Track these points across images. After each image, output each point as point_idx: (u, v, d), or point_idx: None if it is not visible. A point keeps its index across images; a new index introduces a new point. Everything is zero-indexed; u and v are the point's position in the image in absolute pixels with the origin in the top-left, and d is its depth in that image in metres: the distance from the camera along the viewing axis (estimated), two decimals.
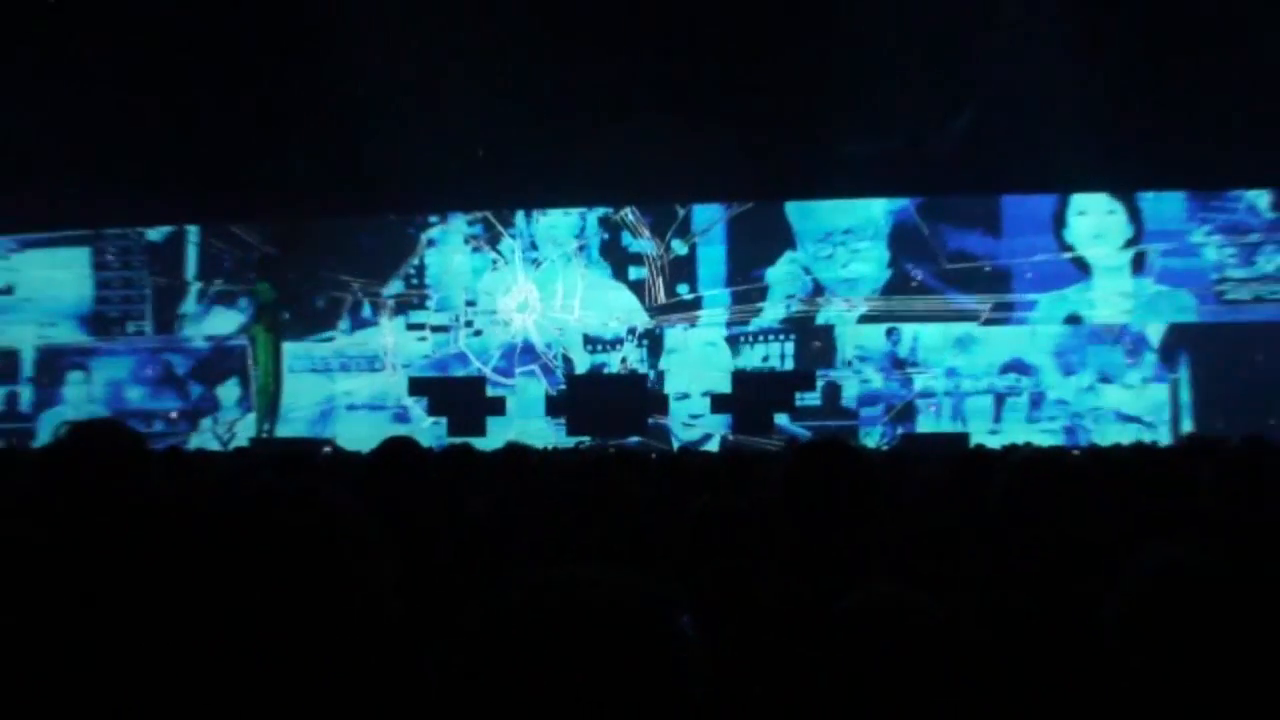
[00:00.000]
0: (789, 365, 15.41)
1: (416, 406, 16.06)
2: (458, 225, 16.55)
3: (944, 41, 12.50)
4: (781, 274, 15.67)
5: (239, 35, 13.33)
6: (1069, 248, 15.15)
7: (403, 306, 16.55)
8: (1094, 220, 15.13)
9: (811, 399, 15.31)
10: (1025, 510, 2.41)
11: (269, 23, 13.15)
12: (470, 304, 16.43)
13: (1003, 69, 13.02)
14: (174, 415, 16.79)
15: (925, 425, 15.00)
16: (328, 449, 11.08)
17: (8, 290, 17.11)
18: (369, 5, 12.65)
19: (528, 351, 16.26)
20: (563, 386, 15.84)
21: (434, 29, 13.00)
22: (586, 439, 14.51)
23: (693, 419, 15.57)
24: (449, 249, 16.56)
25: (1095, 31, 12.63)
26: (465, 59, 13.30)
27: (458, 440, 7.31)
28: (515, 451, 5.28)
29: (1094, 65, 12.82)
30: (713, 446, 14.72)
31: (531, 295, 16.25)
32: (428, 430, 15.00)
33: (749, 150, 14.25)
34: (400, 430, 15.87)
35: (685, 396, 15.55)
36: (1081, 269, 15.16)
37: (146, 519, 2.09)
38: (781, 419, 14.95)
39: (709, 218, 16.01)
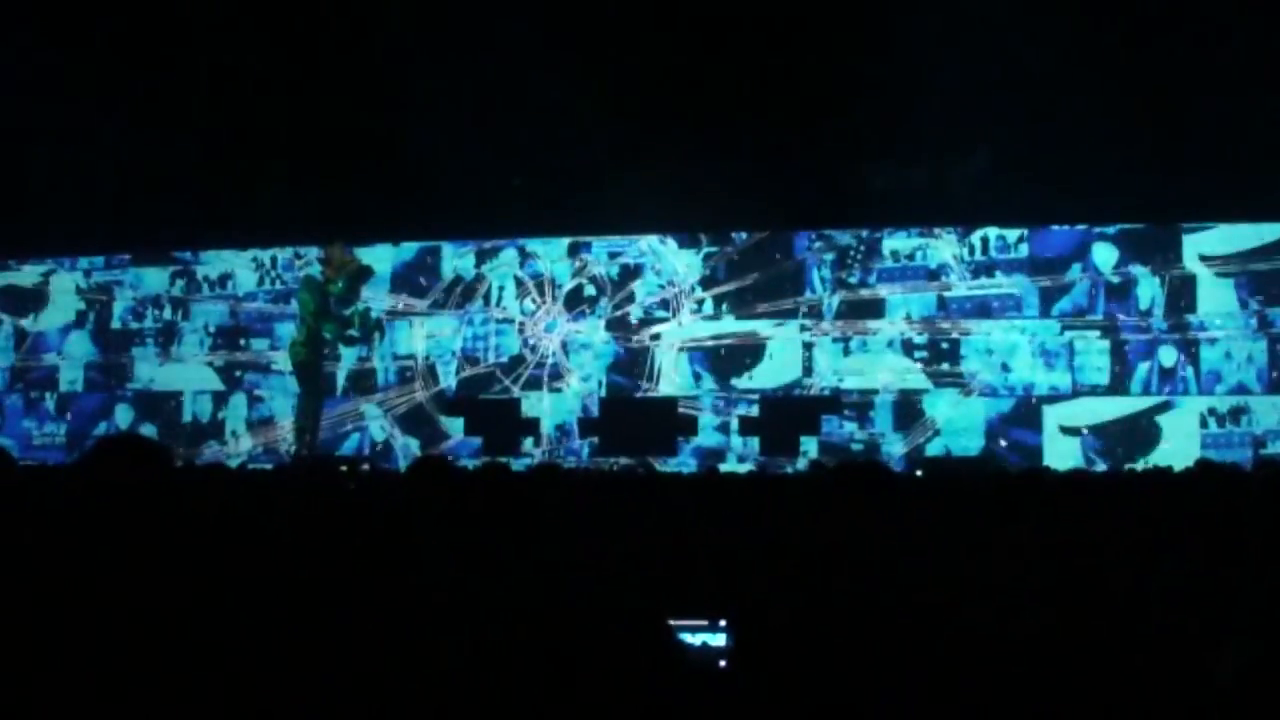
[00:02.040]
0: None
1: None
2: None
3: (967, 75, 12.49)
4: None
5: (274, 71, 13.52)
6: None
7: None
8: None
9: (841, 423, 15.30)
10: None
11: (300, 48, 13.29)
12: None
13: (1027, 103, 13.03)
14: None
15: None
16: (365, 466, 11.16)
17: None
18: (405, 40, 12.78)
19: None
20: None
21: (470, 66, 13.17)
22: (621, 460, 14.59)
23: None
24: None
25: (1122, 64, 12.60)
26: (493, 86, 13.44)
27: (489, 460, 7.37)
28: (548, 472, 5.33)
29: (1119, 98, 12.80)
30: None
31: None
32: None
33: (771, 179, 14.30)
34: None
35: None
36: None
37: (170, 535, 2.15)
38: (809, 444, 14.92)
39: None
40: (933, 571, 2.70)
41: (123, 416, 17.37)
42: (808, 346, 15.62)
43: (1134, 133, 12.96)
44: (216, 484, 5.65)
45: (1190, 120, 12.84)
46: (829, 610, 2.26)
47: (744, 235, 15.95)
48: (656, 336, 16.06)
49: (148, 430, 16.67)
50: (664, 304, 16.11)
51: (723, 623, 2.47)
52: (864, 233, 15.55)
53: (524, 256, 16.56)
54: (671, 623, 1.74)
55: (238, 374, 17.24)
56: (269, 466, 15.33)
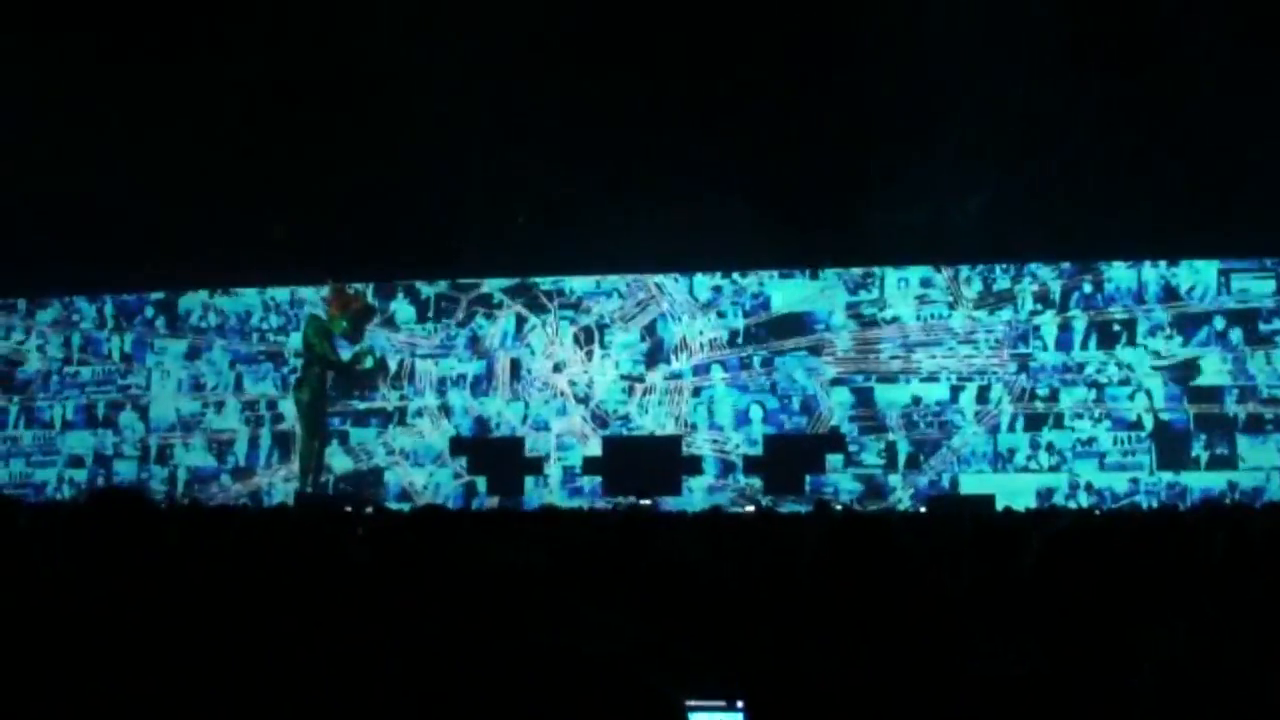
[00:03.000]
0: None
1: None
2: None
3: (969, 113, 12.55)
4: None
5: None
6: None
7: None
8: None
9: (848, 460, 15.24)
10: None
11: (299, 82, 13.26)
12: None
13: (1027, 138, 13.08)
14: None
15: None
16: (369, 508, 11.10)
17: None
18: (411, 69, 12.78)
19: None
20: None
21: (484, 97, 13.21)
22: (629, 499, 14.53)
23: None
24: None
25: (1121, 100, 12.64)
26: (504, 120, 13.48)
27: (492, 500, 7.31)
28: (550, 513, 5.28)
29: (1117, 137, 12.85)
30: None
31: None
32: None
33: (780, 219, 14.31)
34: None
35: None
36: None
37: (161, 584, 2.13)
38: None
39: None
40: (947, 635, 2.63)
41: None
42: None
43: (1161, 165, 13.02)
44: (210, 527, 5.59)
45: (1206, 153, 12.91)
46: (845, 686, 2.21)
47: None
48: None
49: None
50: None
51: (739, 704, 2.38)
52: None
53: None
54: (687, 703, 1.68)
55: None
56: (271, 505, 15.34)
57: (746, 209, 14.07)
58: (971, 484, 14.81)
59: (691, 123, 13.06)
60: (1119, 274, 15.15)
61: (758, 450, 15.50)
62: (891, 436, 15.28)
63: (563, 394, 16.22)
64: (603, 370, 16.17)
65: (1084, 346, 15.07)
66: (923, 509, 14.12)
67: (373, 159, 14.00)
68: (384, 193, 14.48)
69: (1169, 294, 15.00)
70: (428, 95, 12.83)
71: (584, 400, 16.14)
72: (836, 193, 13.86)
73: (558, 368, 16.29)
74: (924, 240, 14.67)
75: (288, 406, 16.81)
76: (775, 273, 15.88)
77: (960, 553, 4.87)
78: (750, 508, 14.01)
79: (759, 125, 13.43)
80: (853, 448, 15.35)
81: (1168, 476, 14.62)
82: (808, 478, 15.21)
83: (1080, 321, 15.12)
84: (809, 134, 13.32)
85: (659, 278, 16.22)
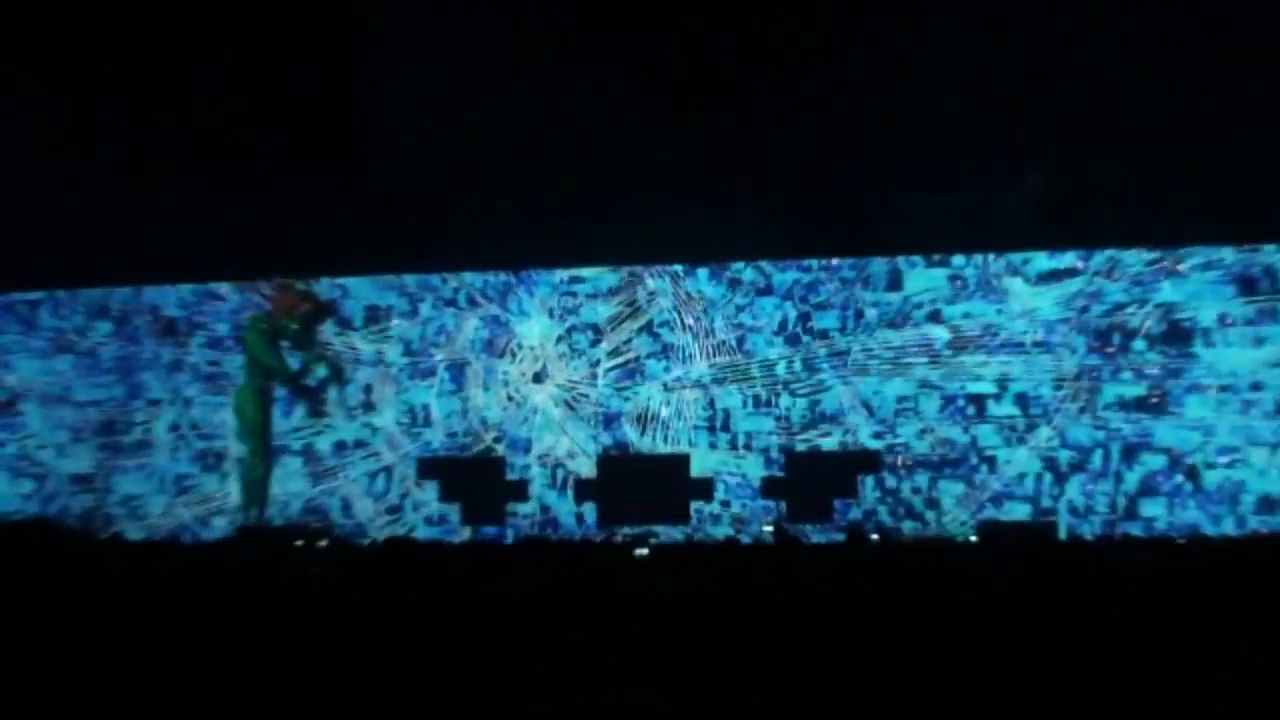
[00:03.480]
0: None
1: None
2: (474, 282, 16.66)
3: (1018, 82, 12.62)
4: None
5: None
6: None
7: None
8: None
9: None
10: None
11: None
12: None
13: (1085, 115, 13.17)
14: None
15: None
16: (323, 542, 11.10)
17: None
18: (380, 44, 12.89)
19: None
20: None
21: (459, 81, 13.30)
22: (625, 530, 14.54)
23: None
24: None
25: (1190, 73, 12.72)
26: (491, 102, 13.56)
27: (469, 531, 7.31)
28: (534, 546, 5.28)
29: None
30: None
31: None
32: None
33: (796, 204, 14.37)
34: None
35: None
36: None
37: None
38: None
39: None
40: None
41: None
42: None
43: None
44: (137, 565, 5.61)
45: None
46: None
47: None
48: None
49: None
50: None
51: None
52: None
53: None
54: None
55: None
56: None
57: (758, 192, 14.14)
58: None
59: (687, 91, 13.15)
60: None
61: (777, 470, 15.51)
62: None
63: (547, 405, 16.21)
64: (593, 377, 16.17)
65: None
66: (974, 537, 14.13)
67: (324, 132, 14.05)
68: (340, 172, 14.50)
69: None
70: (392, 58, 12.91)
71: (572, 411, 16.14)
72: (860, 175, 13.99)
73: (539, 377, 16.29)
74: (968, 227, 14.75)
75: (228, 423, 16.81)
76: (793, 264, 15.91)
77: (1019, 590, 4.88)
78: (769, 528, 14.03)
79: (767, 95, 13.52)
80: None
81: None
82: (835, 502, 15.23)
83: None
84: (831, 108, 13.42)
85: (661, 269, 16.24)
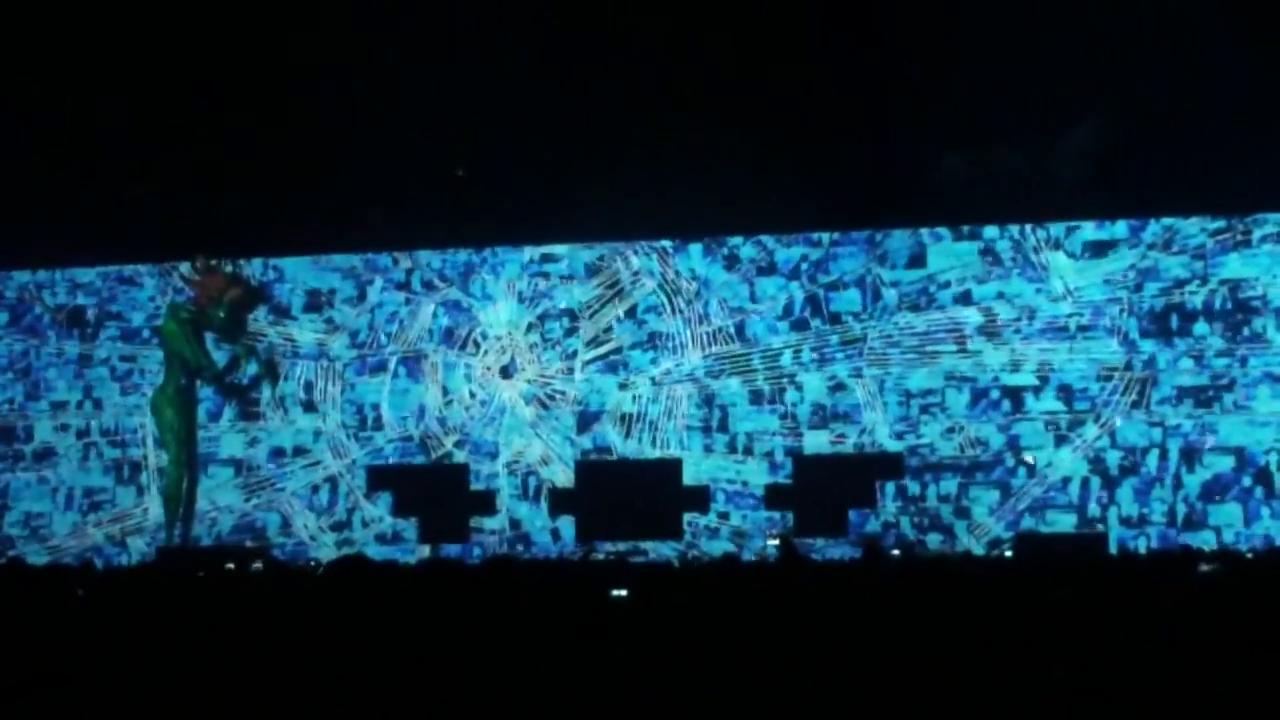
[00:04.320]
0: None
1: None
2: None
3: (1062, 19, 12.66)
4: None
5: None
6: None
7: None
8: None
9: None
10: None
11: None
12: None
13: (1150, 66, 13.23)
14: None
15: None
16: (258, 564, 11.10)
17: None
18: None
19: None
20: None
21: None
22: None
23: None
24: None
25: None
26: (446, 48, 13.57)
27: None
28: (502, 566, 5.30)
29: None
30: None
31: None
32: None
33: (810, 168, 14.36)
34: None
35: None
36: None
37: None
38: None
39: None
40: None
41: None
42: None
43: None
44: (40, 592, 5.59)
45: None
46: None
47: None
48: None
49: None
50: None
51: None
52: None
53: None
54: None
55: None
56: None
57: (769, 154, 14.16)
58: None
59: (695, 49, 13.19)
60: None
61: (783, 476, 15.54)
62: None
63: (516, 404, 16.22)
64: (570, 371, 16.17)
65: None
66: (1009, 551, 14.17)
67: (255, 89, 14.05)
68: (274, 136, 14.48)
69: None
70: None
71: (546, 410, 16.15)
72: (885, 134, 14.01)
73: (507, 371, 16.30)
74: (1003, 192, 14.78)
75: (146, 427, 16.79)
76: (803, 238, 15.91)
77: (1064, 613, 4.89)
78: (774, 543, 14.06)
79: (784, 48, 13.54)
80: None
81: None
82: (851, 513, 15.26)
83: None
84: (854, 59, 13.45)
85: (646, 246, 16.25)
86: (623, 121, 14.15)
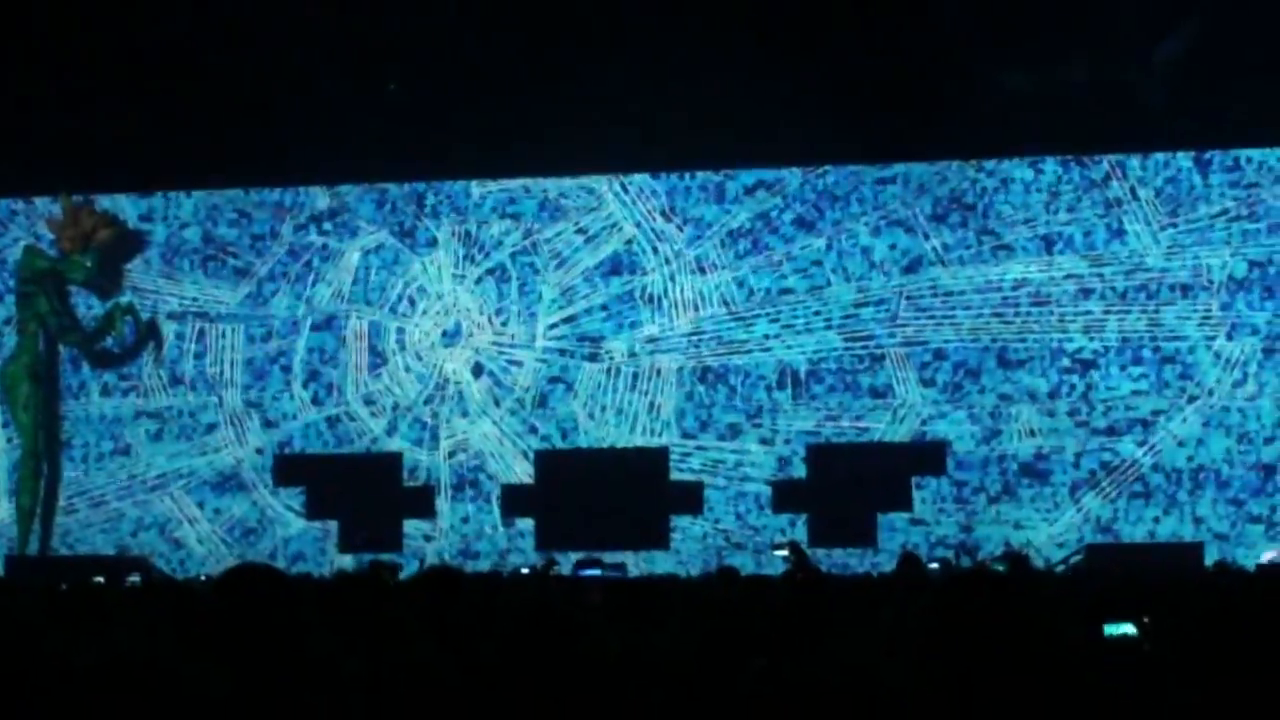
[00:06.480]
0: None
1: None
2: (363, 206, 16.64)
3: None
4: None
5: None
6: None
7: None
8: None
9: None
10: None
11: None
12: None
13: None
14: None
15: None
16: (135, 577, 11.10)
17: None
18: None
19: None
20: None
21: None
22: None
23: None
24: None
25: None
26: None
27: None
28: (443, 580, 5.29)
29: None
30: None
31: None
32: None
33: (841, 89, 14.40)
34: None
35: None
36: None
37: None
38: None
39: None
40: None
41: None
42: None
43: None
44: None
45: None
46: None
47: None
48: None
49: None
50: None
51: None
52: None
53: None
54: None
55: None
56: None
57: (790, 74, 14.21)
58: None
59: None
60: None
61: (795, 470, 15.57)
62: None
63: (463, 377, 16.25)
64: (529, 337, 16.18)
65: None
66: (1076, 557, 14.27)
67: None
68: (157, 49, 14.49)
69: None
70: None
71: (499, 386, 16.17)
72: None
73: (450, 337, 16.30)
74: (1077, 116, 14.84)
75: None
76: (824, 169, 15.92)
77: (1150, 640, 4.89)
78: (782, 554, 14.11)
79: None
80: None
81: None
82: (879, 517, 15.29)
83: None
84: None
85: (626, 180, 16.25)
86: (601, 25, 14.13)
